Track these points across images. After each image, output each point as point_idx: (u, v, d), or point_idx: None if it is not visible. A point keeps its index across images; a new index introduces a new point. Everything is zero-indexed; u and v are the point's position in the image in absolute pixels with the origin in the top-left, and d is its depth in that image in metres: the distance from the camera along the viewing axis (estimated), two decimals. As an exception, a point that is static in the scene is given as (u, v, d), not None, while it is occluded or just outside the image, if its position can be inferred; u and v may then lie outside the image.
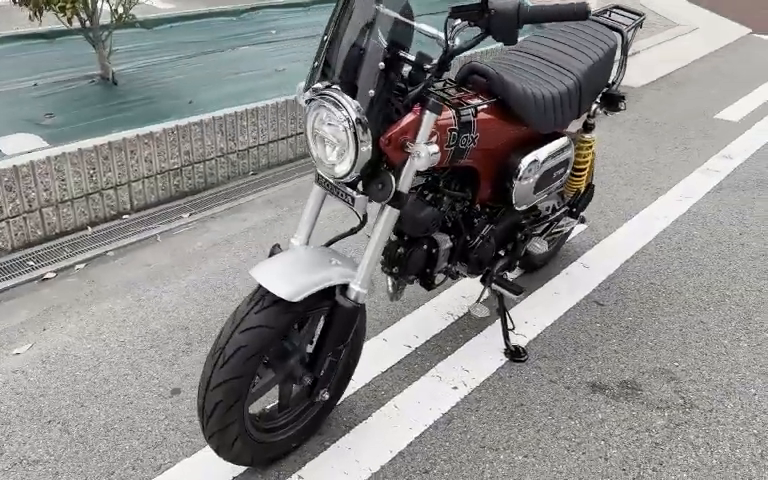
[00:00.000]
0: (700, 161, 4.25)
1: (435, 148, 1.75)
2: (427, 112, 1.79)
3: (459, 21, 1.75)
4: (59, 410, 2.30)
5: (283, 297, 1.75)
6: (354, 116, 1.71)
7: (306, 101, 1.82)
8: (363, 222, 2.02)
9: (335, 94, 1.73)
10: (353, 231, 2.06)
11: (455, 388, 2.38)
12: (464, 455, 2.11)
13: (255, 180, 4.10)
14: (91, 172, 3.43)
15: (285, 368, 1.96)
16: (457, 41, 1.76)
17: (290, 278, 1.80)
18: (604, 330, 2.68)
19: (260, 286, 1.82)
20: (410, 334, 2.64)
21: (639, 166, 4.18)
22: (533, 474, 2.04)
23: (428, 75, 1.78)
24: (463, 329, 2.68)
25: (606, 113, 2.63)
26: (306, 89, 1.85)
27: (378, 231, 1.88)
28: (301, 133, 4.38)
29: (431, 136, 1.81)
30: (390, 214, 1.87)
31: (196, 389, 2.39)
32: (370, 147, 1.74)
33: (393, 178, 1.80)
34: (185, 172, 3.85)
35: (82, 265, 3.18)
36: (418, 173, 1.94)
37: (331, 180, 1.90)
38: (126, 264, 3.21)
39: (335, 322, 1.88)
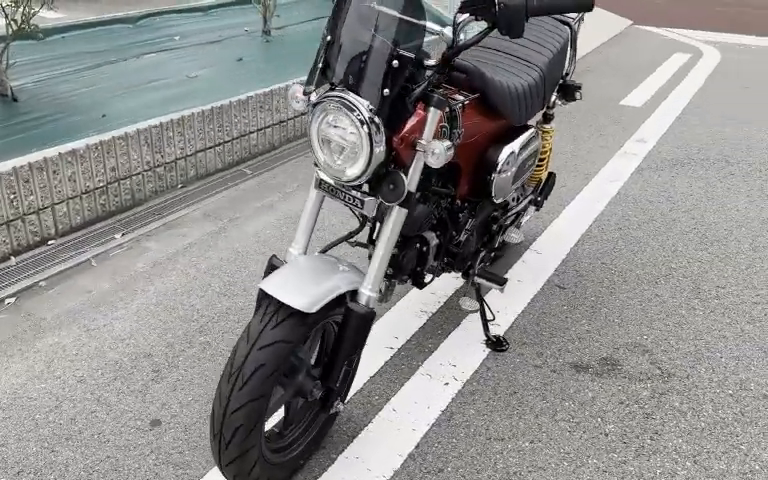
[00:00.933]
0: (617, 146, 4.51)
1: (449, 143, 1.75)
2: (432, 109, 1.78)
3: (466, 16, 1.75)
4: (27, 458, 2.08)
5: (299, 309, 1.68)
6: (368, 116, 1.67)
7: (313, 105, 1.75)
8: (362, 226, 1.98)
9: (345, 95, 1.68)
10: (351, 235, 2.01)
11: (447, 384, 2.38)
12: (473, 449, 2.12)
13: (185, 193, 3.91)
14: (11, 197, 3.14)
15: (294, 384, 1.89)
16: (461, 36, 1.76)
17: (303, 289, 1.73)
18: (571, 312, 2.78)
19: (270, 301, 1.74)
20: (389, 335, 2.62)
21: (564, 154, 4.37)
22: (543, 458, 2.08)
23: (431, 71, 1.76)
24: (440, 325, 2.69)
25: (564, 103, 2.73)
26: (306, 92, 1.78)
27: (387, 233, 1.85)
28: (228, 141, 4.23)
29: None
30: (399, 214, 1.84)
31: (177, 418, 2.25)
32: (383, 148, 1.71)
33: (404, 178, 1.77)
34: (111, 190, 3.60)
35: (12, 299, 2.89)
36: None
37: (334, 184, 1.85)
38: (63, 293, 2.96)
39: (348, 329, 1.82)
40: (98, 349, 2.59)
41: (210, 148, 4.13)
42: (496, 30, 1.72)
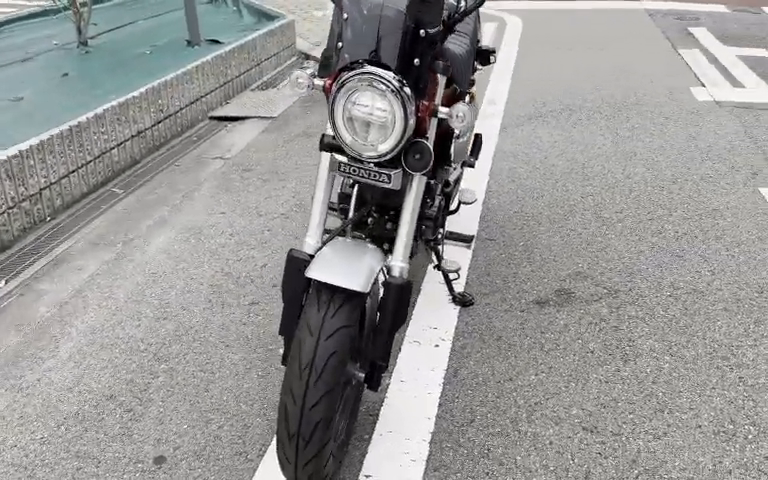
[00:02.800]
0: (473, 110, 4.85)
1: (469, 103, 1.82)
2: (439, 75, 1.84)
3: None
4: (28, 540, 1.81)
5: (357, 289, 1.67)
6: (399, 87, 1.68)
7: (338, 86, 1.71)
8: (361, 215, 2.00)
9: (375, 70, 1.68)
10: (346, 225, 2.03)
11: (437, 346, 2.46)
12: (490, 394, 2.23)
13: (58, 226, 3.51)
14: None
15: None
16: (462, 2, 1.83)
17: (350, 272, 1.71)
18: (511, 258, 3.00)
19: (321, 290, 1.70)
20: (360, 316, 2.63)
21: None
22: (552, 386, 2.25)
23: (437, 38, 1.81)
24: (403, 295, 2.75)
25: (480, 67, 2.90)
26: (324, 75, 1.74)
27: (411, 202, 1.87)
28: (90, 161, 3.86)
29: None
30: (420, 182, 1.88)
31: (181, 449, 2.08)
32: (414, 118, 1.73)
33: (429, 146, 1.81)
34: (-25, 235, 3.14)
35: None
36: None
37: (349, 163, 1.84)
38: (-36, 358, 2.55)
39: (390, 303, 1.82)
40: (46, 406, 2.28)
41: (73, 172, 3.74)
42: None
